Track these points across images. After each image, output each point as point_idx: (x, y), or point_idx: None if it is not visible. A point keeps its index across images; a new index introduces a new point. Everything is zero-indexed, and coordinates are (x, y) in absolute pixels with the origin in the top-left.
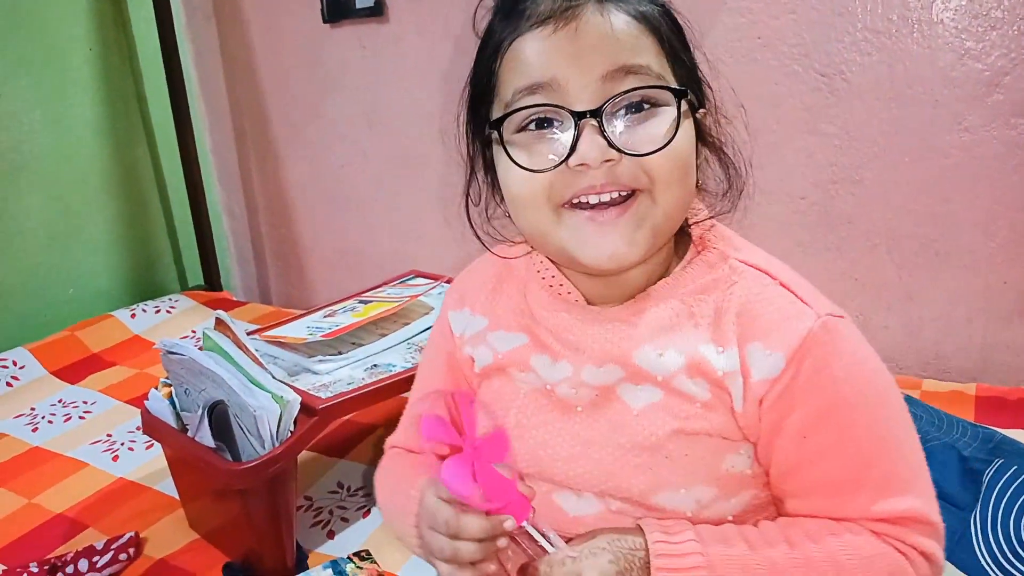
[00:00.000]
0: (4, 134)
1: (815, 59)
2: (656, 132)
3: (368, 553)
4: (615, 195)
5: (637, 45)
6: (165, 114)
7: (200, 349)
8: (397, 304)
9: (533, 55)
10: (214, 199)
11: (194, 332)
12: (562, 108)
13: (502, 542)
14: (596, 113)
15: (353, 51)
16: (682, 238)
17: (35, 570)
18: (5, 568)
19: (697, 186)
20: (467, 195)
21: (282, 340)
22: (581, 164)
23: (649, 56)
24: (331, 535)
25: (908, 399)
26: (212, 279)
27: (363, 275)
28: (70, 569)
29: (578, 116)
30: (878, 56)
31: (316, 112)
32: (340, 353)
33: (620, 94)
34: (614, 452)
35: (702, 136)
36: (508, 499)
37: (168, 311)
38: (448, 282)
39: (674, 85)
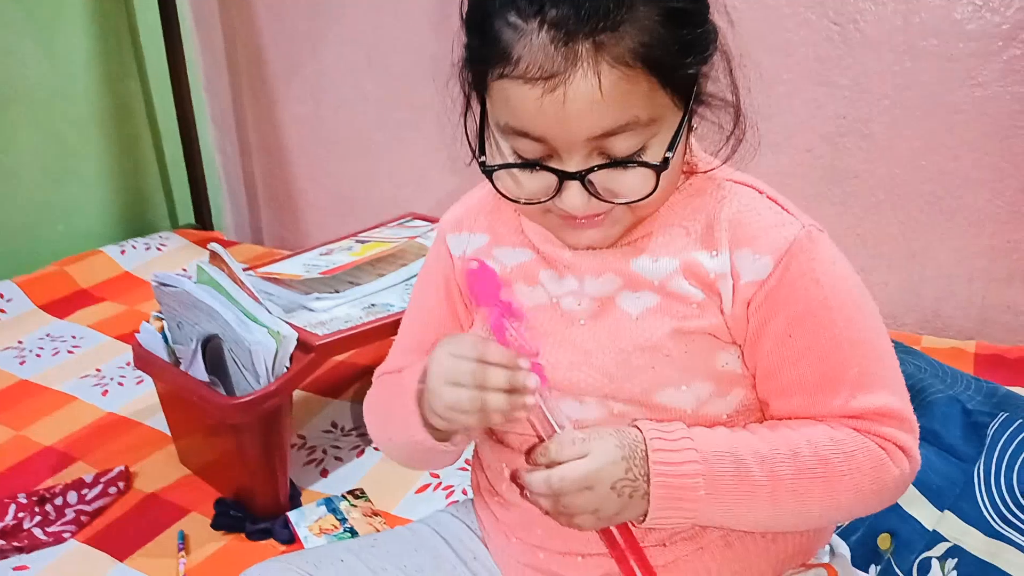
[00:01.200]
0: None
1: (829, 7)
2: (642, 179)
3: (362, 491)
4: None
5: (628, 99)
6: (158, 49)
7: (195, 282)
8: (395, 245)
9: (520, 105)
10: (207, 137)
11: (185, 270)
12: (546, 168)
13: (529, 399)
14: (580, 175)
15: None
16: None
17: (24, 501)
18: None
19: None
20: (465, 125)
21: (277, 276)
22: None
23: (641, 104)
24: (324, 473)
25: (912, 352)
26: (203, 218)
27: (359, 218)
28: (59, 501)
29: (562, 175)
30: (894, 6)
31: (314, 49)
32: (337, 292)
33: (601, 166)
34: (615, 356)
35: (702, 101)
36: (520, 319)
37: (159, 248)
38: None
39: (667, 125)
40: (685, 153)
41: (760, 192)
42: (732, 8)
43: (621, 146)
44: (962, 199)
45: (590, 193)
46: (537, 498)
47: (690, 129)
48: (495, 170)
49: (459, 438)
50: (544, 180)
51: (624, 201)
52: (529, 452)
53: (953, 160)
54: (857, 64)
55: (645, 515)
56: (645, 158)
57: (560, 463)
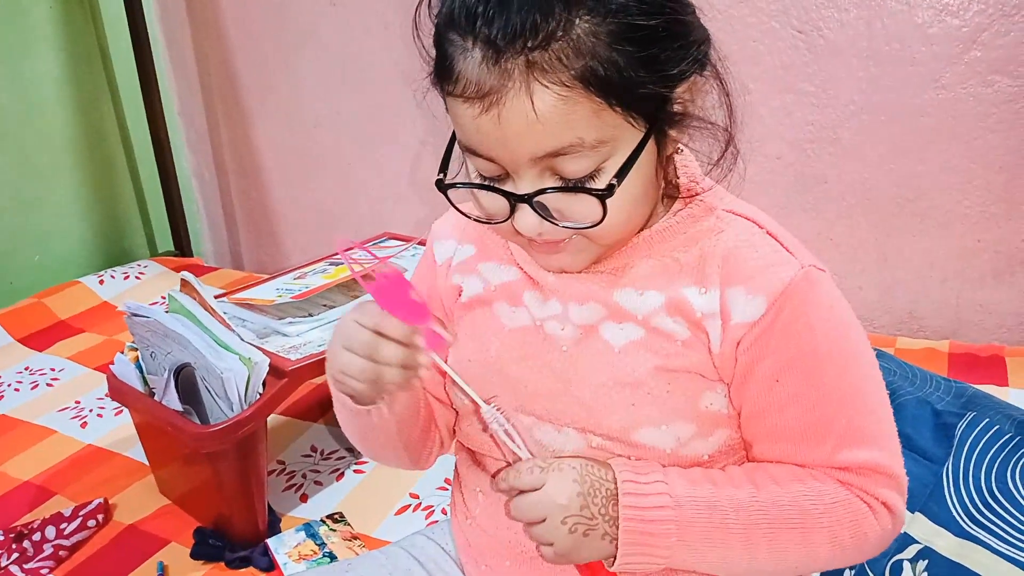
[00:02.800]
0: None
1: (793, 15)
2: (591, 205)
3: (341, 516)
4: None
5: (567, 120)
6: (130, 74)
7: (166, 312)
8: (368, 266)
9: (464, 124)
10: (183, 162)
11: (163, 298)
12: (496, 190)
13: (424, 372)
14: (527, 197)
15: (323, 5)
16: (668, 187)
17: (1, 538)
18: None
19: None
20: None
21: (250, 302)
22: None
23: (584, 125)
24: (304, 498)
25: (882, 355)
26: (182, 244)
27: (337, 239)
28: (37, 537)
29: (512, 197)
30: (856, 12)
31: (287, 70)
32: (310, 315)
33: (548, 190)
34: (596, 389)
35: (677, 124)
36: (423, 322)
37: (137, 277)
38: (420, 244)
39: (616, 145)
40: (659, 177)
41: (760, 226)
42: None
43: (570, 168)
44: (932, 201)
45: (542, 216)
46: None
47: (661, 152)
48: (448, 188)
49: (383, 407)
50: (499, 201)
51: (576, 227)
52: (495, 475)
53: (921, 163)
54: (823, 71)
55: (614, 558)
56: (597, 182)
57: (519, 491)
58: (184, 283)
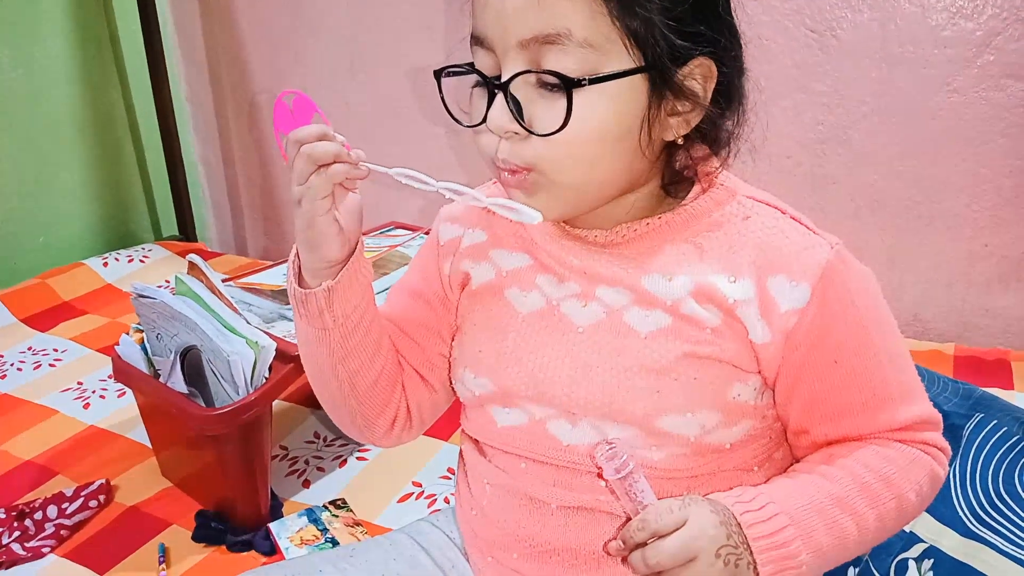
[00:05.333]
0: None
1: (807, 15)
2: (557, 108)
3: (344, 502)
4: (514, 167)
5: (563, 7)
6: (139, 59)
7: (173, 294)
8: (375, 254)
9: (477, 4)
10: (189, 148)
11: (168, 282)
12: (480, 74)
13: (356, 153)
14: (504, 86)
15: None
16: (682, 177)
17: (2, 516)
18: None
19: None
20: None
21: (257, 287)
22: (490, 130)
23: (577, 20)
24: (307, 484)
25: None
26: (187, 229)
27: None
28: (38, 515)
29: (493, 85)
30: (870, 14)
31: (296, 58)
32: None
33: (522, 72)
34: (619, 375)
35: (683, 96)
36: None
37: (142, 260)
38: (427, 233)
39: (595, 65)
40: (642, 138)
41: (782, 212)
42: None
43: (553, 61)
44: (940, 204)
45: (512, 112)
46: None
47: (651, 111)
48: (442, 74)
49: (327, 291)
50: (482, 98)
51: (537, 132)
52: (621, 528)
53: (931, 165)
54: (835, 71)
55: None
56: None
57: (662, 535)
58: (192, 266)
